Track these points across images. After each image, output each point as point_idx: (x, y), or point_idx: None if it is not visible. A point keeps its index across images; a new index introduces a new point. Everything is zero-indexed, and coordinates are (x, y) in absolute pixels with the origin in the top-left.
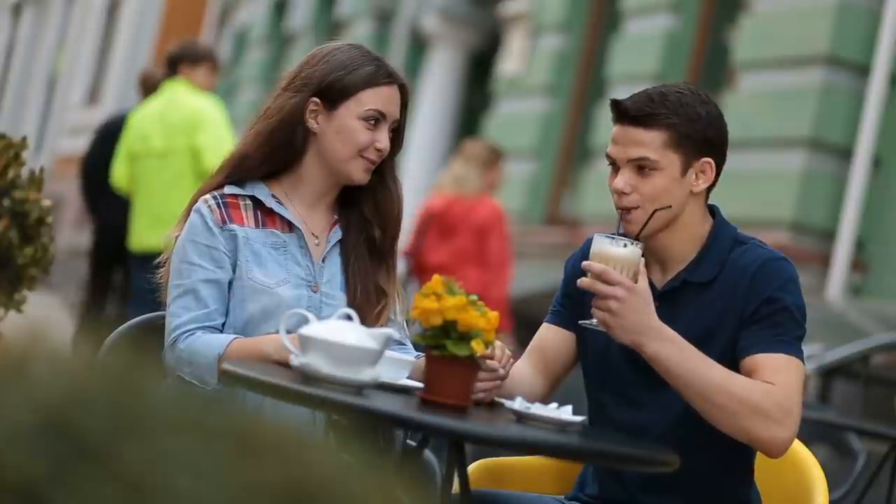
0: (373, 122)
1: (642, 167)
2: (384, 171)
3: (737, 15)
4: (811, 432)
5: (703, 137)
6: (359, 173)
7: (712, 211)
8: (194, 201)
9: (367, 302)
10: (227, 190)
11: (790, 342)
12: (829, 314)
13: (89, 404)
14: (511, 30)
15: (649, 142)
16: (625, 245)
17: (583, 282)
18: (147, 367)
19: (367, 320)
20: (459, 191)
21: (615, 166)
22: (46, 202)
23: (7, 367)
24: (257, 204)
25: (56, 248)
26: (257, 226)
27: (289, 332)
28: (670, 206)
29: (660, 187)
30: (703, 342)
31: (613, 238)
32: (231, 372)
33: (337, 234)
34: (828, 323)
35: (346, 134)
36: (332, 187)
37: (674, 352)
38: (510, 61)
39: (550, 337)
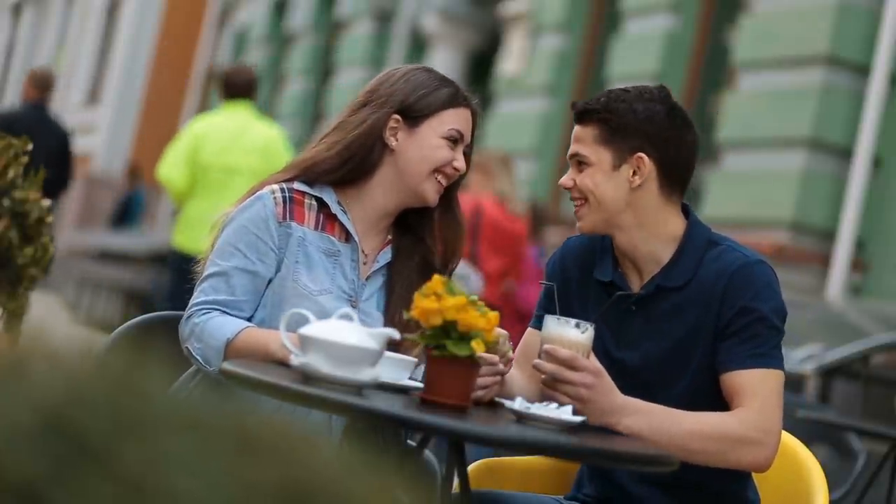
0: (453, 141)
1: (580, 162)
2: (450, 196)
3: (737, 15)
4: (811, 432)
5: (636, 132)
6: (432, 193)
7: (686, 212)
8: (261, 186)
9: (405, 329)
10: (297, 185)
11: (767, 353)
12: (829, 314)
13: (89, 404)
14: (511, 30)
15: (583, 137)
16: (584, 331)
17: (544, 367)
18: (148, 366)
19: (403, 347)
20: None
21: None
22: (46, 202)
23: (7, 367)
24: (321, 206)
25: (56, 248)
26: (316, 228)
27: (289, 331)
28: None
29: (590, 180)
30: (679, 348)
31: (568, 321)
32: (231, 372)
33: (387, 255)
34: (828, 323)
35: (428, 151)
36: (396, 209)
37: (644, 422)
38: (510, 61)
39: (536, 342)
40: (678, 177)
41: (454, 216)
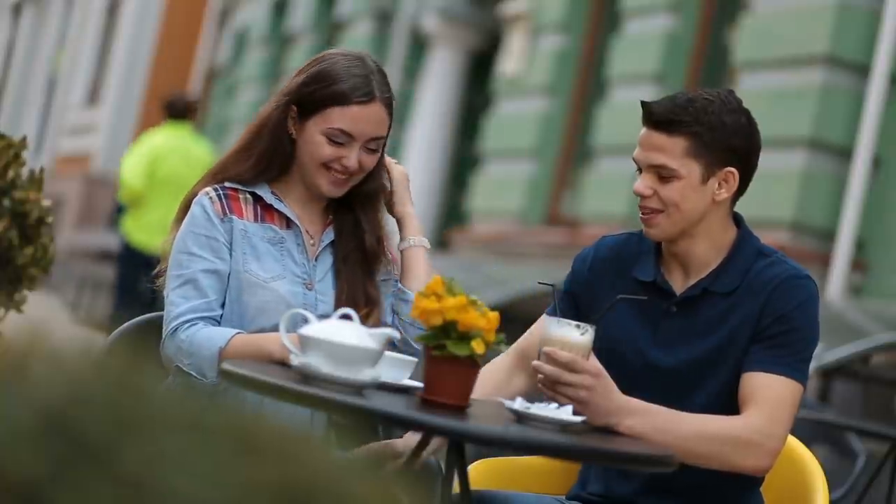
0: (339, 140)
1: (662, 173)
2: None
3: (737, 15)
4: (811, 432)
5: (727, 147)
6: (326, 186)
7: (737, 220)
8: (192, 196)
9: (353, 307)
10: (228, 184)
11: (793, 364)
12: (829, 314)
13: (89, 404)
14: (511, 30)
15: (670, 149)
16: (582, 332)
17: (543, 369)
18: (147, 366)
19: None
20: None
21: (640, 169)
22: (46, 202)
23: (7, 367)
24: (257, 199)
25: (56, 248)
26: (256, 220)
27: (288, 331)
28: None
29: (678, 193)
30: (716, 352)
31: (568, 322)
32: (230, 371)
33: (329, 235)
34: (828, 323)
35: (310, 146)
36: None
37: (646, 423)
38: (510, 61)
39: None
40: (747, 186)
41: (374, 200)
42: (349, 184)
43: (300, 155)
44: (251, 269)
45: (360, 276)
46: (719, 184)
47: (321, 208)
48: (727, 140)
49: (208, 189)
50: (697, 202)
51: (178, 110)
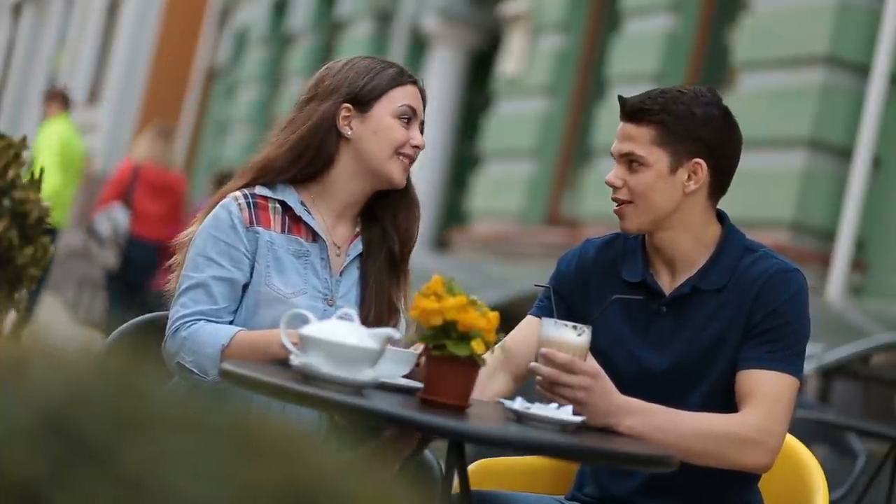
0: (406, 119)
1: (632, 162)
2: (406, 183)
3: (737, 15)
4: (811, 432)
5: (695, 137)
6: (398, 173)
7: (721, 218)
8: (221, 197)
9: (379, 322)
10: (259, 190)
11: (787, 358)
12: (829, 314)
13: (89, 404)
14: (511, 30)
15: (638, 137)
16: (579, 333)
17: (541, 370)
18: (147, 366)
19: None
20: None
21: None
22: (46, 202)
23: (7, 367)
24: (285, 209)
25: (56, 248)
26: (283, 231)
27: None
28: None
29: (646, 182)
30: (710, 350)
31: (565, 324)
32: (230, 371)
33: (357, 247)
34: (828, 323)
35: (383, 132)
36: (362, 197)
37: (646, 422)
38: (510, 61)
39: (530, 329)
40: (725, 182)
41: (409, 202)
42: (409, 169)
43: (364, 149)
44: (273, 284)
45: (386, 288)
46: (688, 175)
47: (352, 217)
48: (695, 130)
49: (237, 194)
50: (667, 193)
51: (68, 102)
